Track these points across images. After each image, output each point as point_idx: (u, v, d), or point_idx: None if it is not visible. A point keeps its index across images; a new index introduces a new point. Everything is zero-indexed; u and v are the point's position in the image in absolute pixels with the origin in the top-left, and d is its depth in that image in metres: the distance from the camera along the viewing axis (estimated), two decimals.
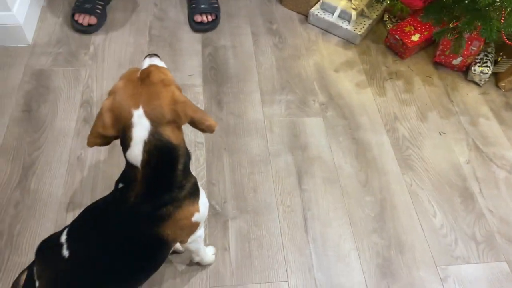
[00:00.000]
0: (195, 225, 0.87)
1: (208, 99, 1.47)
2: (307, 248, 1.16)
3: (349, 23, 1.69)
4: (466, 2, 1.32)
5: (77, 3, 1.63)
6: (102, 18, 1.65)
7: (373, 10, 1.75)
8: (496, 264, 1.17)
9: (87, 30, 1.61)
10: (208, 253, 1.08)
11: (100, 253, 0.81)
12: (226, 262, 1.12)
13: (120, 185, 0.80)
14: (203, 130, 0.80)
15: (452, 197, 1.29)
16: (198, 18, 1.67)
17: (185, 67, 1.55)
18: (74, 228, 0.86)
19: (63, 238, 0.84)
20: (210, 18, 1.68)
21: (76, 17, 1.62)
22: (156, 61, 0.84)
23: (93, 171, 1.26)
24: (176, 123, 0.76)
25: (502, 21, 1.26)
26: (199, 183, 0.91)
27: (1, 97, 1.40)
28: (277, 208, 1.23)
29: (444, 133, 1.45)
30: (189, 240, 0.90)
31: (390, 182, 1.31)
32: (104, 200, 0.84)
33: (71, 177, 1.24)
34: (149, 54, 0.86)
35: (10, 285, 1.01)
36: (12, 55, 1.52)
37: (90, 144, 0.77)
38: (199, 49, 1.62)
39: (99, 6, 1.64)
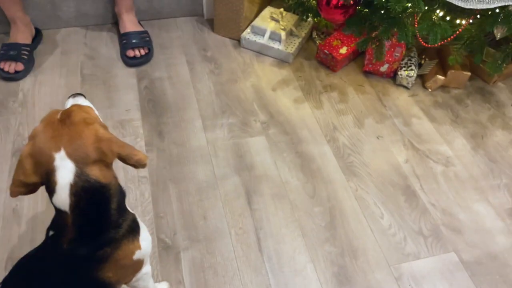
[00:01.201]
0: (138, 263, 0.84)
1: (149, 131, 1.45)
2: (263, 268, 1.15)
3: (280, 43, 1.74)
4: (382, 12, 1.41)
5: (1, 51, 1.58)
6: (29, 64, 1.60)
7: (301, 28, 1.83)
8: (445, 256, 1.22)
9: (14, 77, 1.56)
10: None
11: None
12: None
13: (51, 233, 0.76)
14: (134, 166, 0.78)
15: (396, 197, 1.34)
16: (130, 53, 1.66)
17: (121, 103, 1.53)
18: (6, 283, 0.80)
19: None
20: (143, 52, 1.68)
21: (2, 65, 1.56)
22: (80, 100, 0.82)
23: (31, 222, 1.19)
24: (104, 161, 0.73)
25: (416, 25, 1.35)
26: (146, 218, 0.89)
27: None
28: (229, 232, 1.22)
29: (381, 137, 1.51)
30: (134, 279, 0.87)
31: (337, 190, 1.34)
32: (36, 250, 0.80)
33: (8, 231, 1.17)
34: (72, 94, 0.84)
35: None
36: None
37: (13, 194, 0.73)
38: (134, 83, 1.61)
39: (25, 52, 1.59)
